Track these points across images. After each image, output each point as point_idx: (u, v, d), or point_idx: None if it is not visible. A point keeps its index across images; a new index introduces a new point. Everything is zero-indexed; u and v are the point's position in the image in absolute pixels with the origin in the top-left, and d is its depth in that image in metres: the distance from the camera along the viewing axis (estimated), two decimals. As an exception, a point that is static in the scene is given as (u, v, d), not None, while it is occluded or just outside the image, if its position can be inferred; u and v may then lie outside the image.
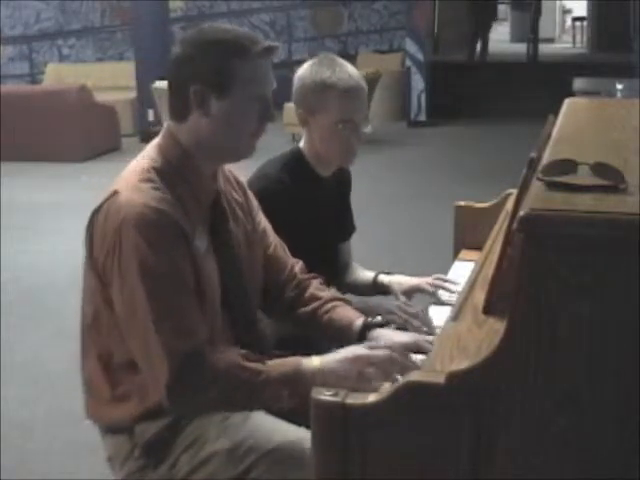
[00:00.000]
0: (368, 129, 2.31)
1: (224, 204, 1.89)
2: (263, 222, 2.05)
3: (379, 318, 2.02)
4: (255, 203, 2.05)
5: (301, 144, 2.35)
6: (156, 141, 1.84)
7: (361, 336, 1.98)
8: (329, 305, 2.06)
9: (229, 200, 1.93)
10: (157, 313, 1.67)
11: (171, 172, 1.78)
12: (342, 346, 1.83)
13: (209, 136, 1.78)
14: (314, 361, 1.74)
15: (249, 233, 1.97)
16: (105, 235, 1.71)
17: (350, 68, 2.26)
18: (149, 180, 1.73)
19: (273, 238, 2.08)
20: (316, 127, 2.26)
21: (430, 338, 1.95)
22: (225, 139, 1.79)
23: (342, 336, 2.01)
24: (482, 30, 13.55)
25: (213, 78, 1.74)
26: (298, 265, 2.12)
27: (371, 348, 1.76)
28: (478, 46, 13.49)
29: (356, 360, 1.72)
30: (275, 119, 1.85)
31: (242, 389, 1.70)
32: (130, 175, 1.76)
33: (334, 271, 2.49)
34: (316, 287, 2.09)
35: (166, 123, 1.85)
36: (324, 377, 1.69)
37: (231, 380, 1.69)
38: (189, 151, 1.79)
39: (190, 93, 1.74)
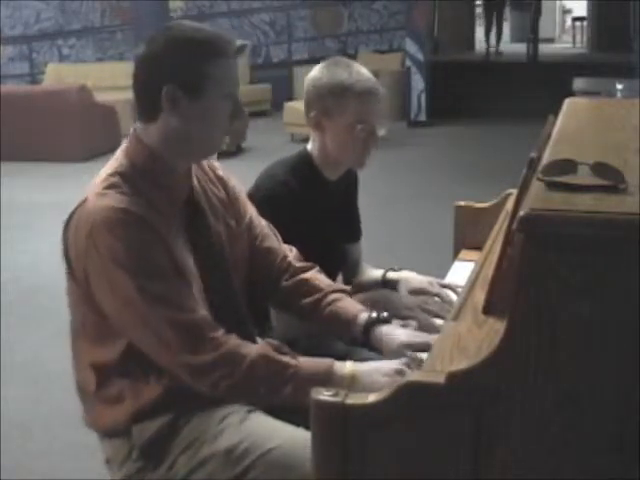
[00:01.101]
0: (382, 132, 2.30)
1: (200, 201, 1.88)
2: (249, 213, 2.03)
3: (385, 314, 1.99)
4: (241, 196, 2.03)
5: (308, 147, 2.34)
6: (124, 145, 1.83)
7: (365, 332, 1.96)
8: (330, 297, 2.03)
9: (208, 196, 1.92)
10: (150, 300, 1.68)
11: (136, 175, 1.77)
12: (345, 339, 1.82)
13: (180, 135, 1.77)
14: (347, 366, 1.75)
15: (232, 228, 1.95)
16: (78, 243, 1.73)
17: (365, 70, 2.26)
18: (113, 185, 1.73)
19: (262, 228, 2.05)
20: (331, 129, 2.25)
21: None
22: (196, 138, 1.79)
23: (345, 330, 2.00)
24: (497, 28, 14.29)
25: (187, 79, 1.73)
26: (292, 253, 2.09)
27: (407, 365, 1.77)
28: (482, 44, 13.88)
29: (390, 374, 1.73)
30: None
31: (269, 380, 1.71)
32: (97, 182, 1.76)
33: (341, 272, 2.50)
34: (315, 277, 2.07)
35: (133, 126, 1.83)
36: (353, 383, 1.71)
37: (259, 369, 1.70)
38: (157, 152, 1.78)
39: (162, 94, 1.73)
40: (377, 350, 1.98)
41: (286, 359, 1.73)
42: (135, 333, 1.74)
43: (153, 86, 1.75)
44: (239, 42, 1.79)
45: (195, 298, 1.74)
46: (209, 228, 1.88)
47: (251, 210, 2.04)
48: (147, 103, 1.78)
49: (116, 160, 1.80)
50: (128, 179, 1.75)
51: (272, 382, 1.71)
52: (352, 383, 1.71)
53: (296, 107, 9.79)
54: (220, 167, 2.02)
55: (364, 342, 1.99)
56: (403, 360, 1.82)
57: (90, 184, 1.78)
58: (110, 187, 1.73)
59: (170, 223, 1.77)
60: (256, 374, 1.70)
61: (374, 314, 1.97)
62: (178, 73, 1.73)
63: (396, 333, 1.93)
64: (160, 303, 1.69)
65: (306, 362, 1.75)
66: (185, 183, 1.85)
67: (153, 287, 1.69)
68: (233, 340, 1.73)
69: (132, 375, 1.78)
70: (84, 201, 1.74)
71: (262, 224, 2.06)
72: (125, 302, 1.70)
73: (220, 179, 2.00)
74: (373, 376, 1.73)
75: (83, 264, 1.73)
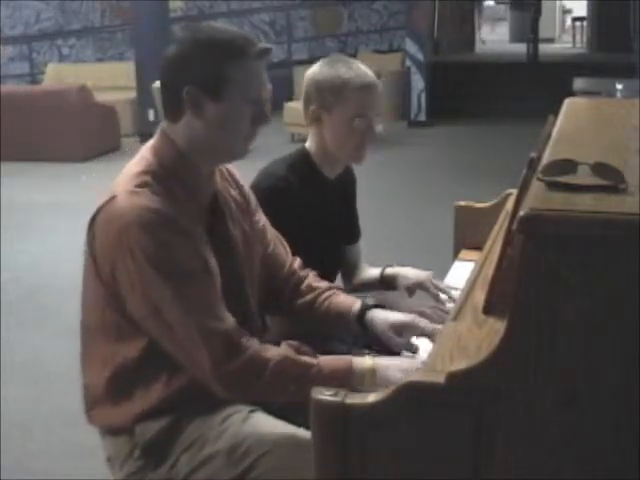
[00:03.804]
0: (379, 128, 2.33)
1: (222, 204, 1.89)
2: (262, 220, 2.05)
3: (376, 300, 2.07)
4: (254, 201, 2.05)
5: (307, 144, 2.34)
6: (151, 143, 1.83)
7: (360, 319, 2.03)
8: (326, 294, 2.08)
9: (227, 199, 1.93)
10: (182, 304, 1.68)
11: (166, 174, 1.77)
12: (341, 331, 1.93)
13: (202, 137, 1.77)
14: (366, 361, 1.78)
15: (247, 232, 1.96)
16: (109, 240, 1.71)
17: (364, 66, 2.29)
18: (146, 184, 1.73)
19: (271, 235, 2.08)
20: (330, 123, 2.26)
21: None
22: (218, 141, 1.79)
23: (341, 321, 2.06)
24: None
25: (208, 81, 1.73)
26: (296, 262, 2.13)
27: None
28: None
29: (409, 370, 1.74)
30: (272, 121, 1.85)
31: (294, 381, 1.73)
32: (127, 180, 1.75)
33: (338, 272, 2.50)
34: (312, 279, 2.11)
35: (161, 124, 1.84)
36: (373, 379, 1.74)
37: (283, 371, 1.72)
38: (183, 151, 1.79)
39: (183, 94, 1.73)
40: (373, 336, 2.03)
41: (308, 359, 1.76)
42: (163, 336, 1.73)
43: (176, 86, 1.75)
44: (262, 45, 1.78)
45: (223, 302, 1.75)
46: (228, 232, 1.89)
47: (264, 219, 2.06)
48: (171, 103, 1.79)
49: (144, 159, 1.80)
50: (159, 179, 1.75)
51: (298, 383, 1.72)
52: (372, 378, 1.75)
53: (296, 107, 9.77)
54: (236, 171, 2.03)
55: (359, 329, 2.05)
56: (422, 358, 1.84)
57: (116, 181, 1.77)
58: (143, 185, 1.72)
59: (196, 225, 1.77)
60: (282, 376, 1.72)
61: (365, 301, 2.05)
62: (199, 75, 1.73)
63: (385, 315, 2.01)
64: (194, 308, 1.69)
65: (326, 360, 1.77)
66: (209, 185, 1.85)
67: (188, 291, 1.69)
68: (256, 344, 1.74)
69: (145, 374, 1.78)
70: (113, 198, 1.73)
71: (273, 233, 2.08)
72: (157, 304, 1.69)
73: (237, 183, 2.01)
74: (392, 372, 1.75)
75: (111, 261, 1.72)
